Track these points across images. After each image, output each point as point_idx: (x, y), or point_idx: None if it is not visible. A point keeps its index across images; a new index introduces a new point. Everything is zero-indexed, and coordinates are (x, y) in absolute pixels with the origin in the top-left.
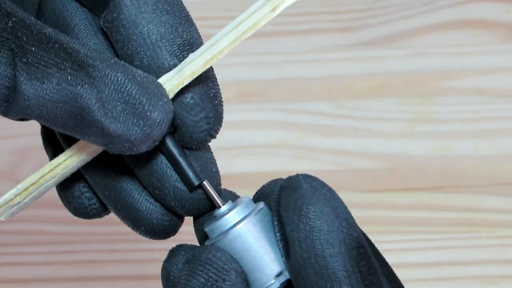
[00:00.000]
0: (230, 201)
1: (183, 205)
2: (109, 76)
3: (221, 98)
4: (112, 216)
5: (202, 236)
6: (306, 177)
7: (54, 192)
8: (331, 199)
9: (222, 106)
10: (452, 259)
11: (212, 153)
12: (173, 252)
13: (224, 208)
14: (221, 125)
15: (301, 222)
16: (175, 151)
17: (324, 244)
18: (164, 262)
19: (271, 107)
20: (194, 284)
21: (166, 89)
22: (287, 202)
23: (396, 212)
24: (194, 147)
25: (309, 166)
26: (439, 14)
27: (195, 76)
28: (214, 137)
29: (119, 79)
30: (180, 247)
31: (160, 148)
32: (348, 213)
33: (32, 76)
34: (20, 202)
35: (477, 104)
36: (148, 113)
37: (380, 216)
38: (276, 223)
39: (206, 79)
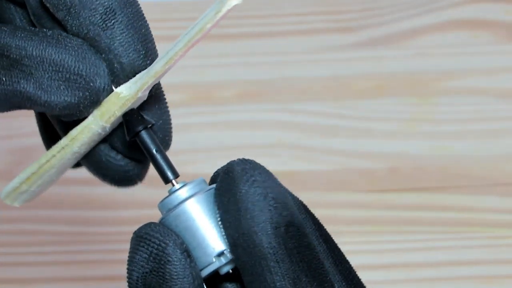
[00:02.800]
0: (184, 180)
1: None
2: (44, 59)
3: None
4: (112, 216)
5: None
6: (240, 161)
7: (54, 192)
8: (262, 180)
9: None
10: (452, 259)
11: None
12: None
13: (176, 186)
14: None
15: (230, 204)
16: (151, 146)
17: (250, 222)
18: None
19: (271, 107)
20: (138, 259)
21: (136, 88)
22: (221, 185)
23: (396, 212)
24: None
25: (309, 166)
26: (439, 14)
27: (158, 76)
28: None
29: (54, 58)
30: None
31: (136, 140)
32: (281, 193)
33: None
34: (28, 190)
35: (477, 104)
36: (92, 84)
37: (380, 216)
38: (216, 208)
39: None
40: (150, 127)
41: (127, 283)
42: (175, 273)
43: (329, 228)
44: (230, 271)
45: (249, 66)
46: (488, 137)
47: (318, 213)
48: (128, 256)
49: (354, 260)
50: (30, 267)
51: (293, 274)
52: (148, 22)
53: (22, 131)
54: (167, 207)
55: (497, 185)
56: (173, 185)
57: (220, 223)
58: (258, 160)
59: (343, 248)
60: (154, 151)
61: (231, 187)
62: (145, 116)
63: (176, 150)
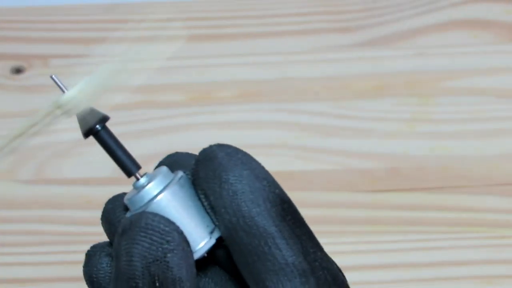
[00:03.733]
0: (147, 173)
1: None
2: None
3: None
4: None
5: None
6: (220, 146)
7: (54, 192)
8: (247, 162)
9: None
10: (452, 259)
11: None
12: (90, 255)
13: (143, 180)
14: None
15: (223, 189)
16: (111, 142)
17: (250, 204)
18: (83, 267)
19: (271, 107)
20: (139, 250)
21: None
22: (206, 173)
23: (396, 212)
24: None
25: (309, 166)
26: (439, 14)
27: None
28: None
29: None
30: (95, 248)
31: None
32: (267, 173)
33: None
34: None
35: (477, 104)
36: None
37: (380, 216)
38: (201, 196)
39: None
40: (104, 122)
41: (126, 277)
42: (179, 261)
43: (329, 228)
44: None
45: (249, 66)
46: (488, 137)
47: (318, 213)
48: (123, 249)
49: (354, 260)
50: (30, 267)
51: (301, 247)
52: (150, 22)
53: None
54: (141, 201)
55: (497, 185)
56: (137, 178)
57: (208, 211)
58: (258, 160)
59: (344, 248)
60: (114, 147)
61: (220, 172)
62: (99, 110)
63: (176, 150)
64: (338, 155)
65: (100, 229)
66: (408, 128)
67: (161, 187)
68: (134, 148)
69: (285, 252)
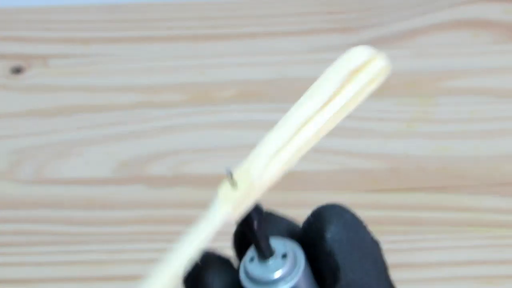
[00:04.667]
0: (276, 253)
1: None
2: None
3: None
4: (112, 216)
5: None
6: (341, 210)
7: (54, 192)
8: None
9: None
10: (452, 259)
11: None
12: None
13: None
14: None
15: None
16: (260, 233)
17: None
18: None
19: (271, 107)
20: None
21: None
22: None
23: (396, 212)
24: None
25: (309, 166)
26: (439, 14)
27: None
28: None
29: None
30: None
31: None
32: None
33: None
34: None
35: (477, 104)
36: None
37: (380, 216)
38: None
39: None
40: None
41: None
42: None
43: None
44: None
45: (249, 66)
46: (488, 137)
47: None
48: None
49: None
50: (30, 267)
51: None
52: (148, 21)
53: (22, 131)
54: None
55: (497, 185)
56: (266, 258)
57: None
58: None
59: None
60: (261, 237)
61: (356, 235)
62: (259, 204)
63: (176, 150)
64: (338, 155)
65: (100, 229)
66: (408, 128)
67: (292, 278)
68: (134, 148)
69: None
